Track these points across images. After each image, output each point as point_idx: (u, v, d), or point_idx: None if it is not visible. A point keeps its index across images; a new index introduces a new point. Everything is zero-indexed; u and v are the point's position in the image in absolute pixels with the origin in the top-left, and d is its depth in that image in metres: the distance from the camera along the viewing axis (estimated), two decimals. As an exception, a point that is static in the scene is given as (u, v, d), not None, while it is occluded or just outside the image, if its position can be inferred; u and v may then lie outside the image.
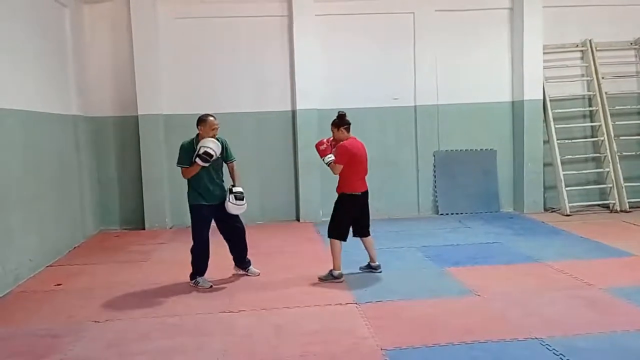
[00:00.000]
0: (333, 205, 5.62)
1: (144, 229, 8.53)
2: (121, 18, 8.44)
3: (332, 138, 5.57)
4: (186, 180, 5.50)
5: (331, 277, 5.55)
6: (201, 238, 5.47)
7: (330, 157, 5.44)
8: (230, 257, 5.88)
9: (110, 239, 8.04)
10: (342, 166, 5.39)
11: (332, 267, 5.58)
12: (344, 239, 5.55)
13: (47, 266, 6.48)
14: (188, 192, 5.51)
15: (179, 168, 5.50)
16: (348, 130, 5.52)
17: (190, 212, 5.52)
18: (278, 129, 8.81)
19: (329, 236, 5.55)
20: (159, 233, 8.27)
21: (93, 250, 7.38)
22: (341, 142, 5.46)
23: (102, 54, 8.51)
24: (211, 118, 5.43)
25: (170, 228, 8.59)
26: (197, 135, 5.46)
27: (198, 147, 5.28)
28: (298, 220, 8.88)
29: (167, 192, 8.58)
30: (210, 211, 5.51)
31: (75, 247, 7.43)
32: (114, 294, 5.39)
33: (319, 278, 5.60)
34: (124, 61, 8.49)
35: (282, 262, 6.33)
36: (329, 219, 5.61)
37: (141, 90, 8.40)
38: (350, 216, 5.55)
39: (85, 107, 8.18)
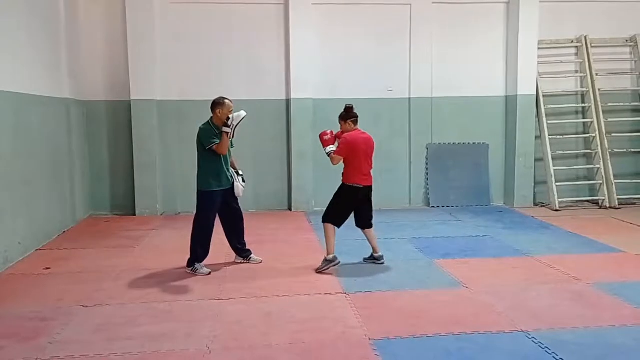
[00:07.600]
0: (335, 192, 5.62)
1: (134, 214, 8.50)
2: (116, 1, 8.34)
3: (340, 130, 5.60)
4: (199, 165, 5.46)
5: (326, 263, 5.50)
6: (207, 224, 5.49)
7: (331, 148, 5.46)
8: (223, 244, 5.88)
9: (100, 224, 8.01)
10: (341, 158, 5.41)
11: (325, 255, 5.56)
12: (338, 226, 5.55)
13: (36, 250, 6.46)
14: (200, 178, 5.46)
15: (209, 150, 5.35)
16: (355, 122, 5.53)
17: (201, 198, 5.48)
18: (272, 118, 8.77)
19: (323, 220, 5.54)
20: (150, 219, 8.25)
21: (82, 234, 7.35)
22: (344, 135, 5.48)
23: (96, 38, 8.42)
24: (228, 101, 5.45)
25: (161, 215, 8.57)
26: (211, 118, 5.45)
27: (231, 118, 5.32)
28: (290, 209, 8.89)
29: (159, 179, 8.55)
30: (220, 196, 5.49)
31: (64, 232, 7.40)
32: (103, 279, 5.39)
33: (316, 270, 5.52)
34: (117, 45, 8.41)
35: (273, 250, 6.34)
36: (321, 209, 5.60)
37: (134, 75, 8.33)
38: (348, 206, 5.55)
39: (78, 91, 8.11)
